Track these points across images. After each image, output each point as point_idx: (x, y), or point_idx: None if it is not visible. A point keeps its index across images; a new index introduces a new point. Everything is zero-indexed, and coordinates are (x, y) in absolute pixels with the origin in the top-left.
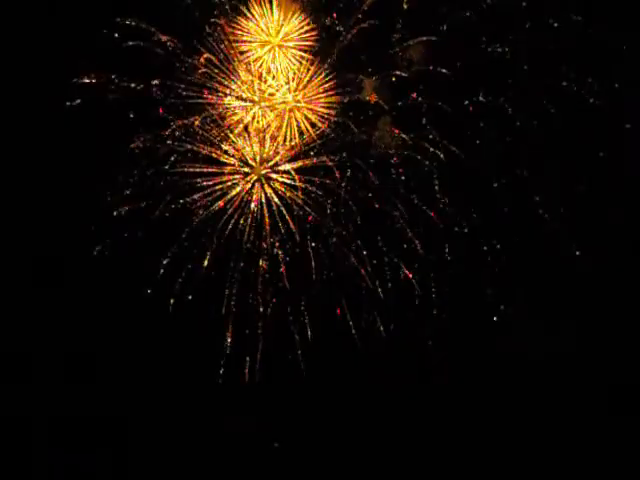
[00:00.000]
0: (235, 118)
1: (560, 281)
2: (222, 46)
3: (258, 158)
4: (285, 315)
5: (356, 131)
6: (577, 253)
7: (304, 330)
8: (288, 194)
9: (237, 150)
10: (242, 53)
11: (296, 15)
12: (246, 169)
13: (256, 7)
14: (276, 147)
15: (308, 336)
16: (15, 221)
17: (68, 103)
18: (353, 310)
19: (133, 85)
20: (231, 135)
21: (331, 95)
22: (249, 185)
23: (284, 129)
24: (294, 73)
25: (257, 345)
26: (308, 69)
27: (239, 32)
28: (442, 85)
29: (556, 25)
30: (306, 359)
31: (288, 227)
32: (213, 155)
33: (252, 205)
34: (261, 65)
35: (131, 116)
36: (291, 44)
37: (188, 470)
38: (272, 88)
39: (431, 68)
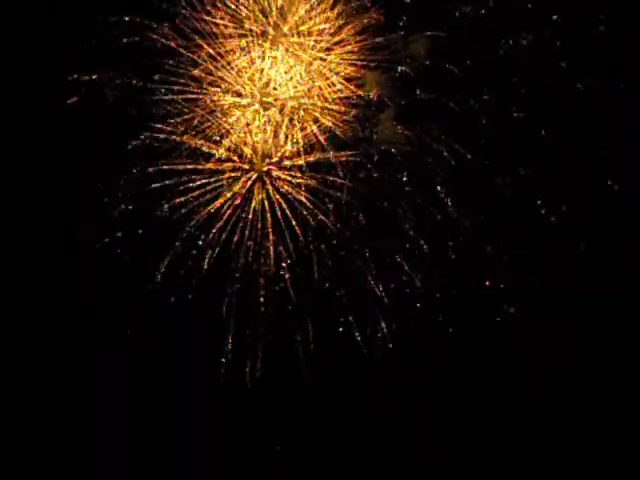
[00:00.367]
0: (236, 113)
1: (561, 280)
2: (221, 40)
3: (259, 154)
4: (287, 316)
5: (359, 127)
6: (582, 249)
7: (306, 331)
8: (290, 191)
9: (237, 146)
10: (242, 49)
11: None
12: (246, 166)
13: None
14: (278, 143)
15: (310, 338)
16: (14, 221)
17: (70, 100)
18: (356, 311)
19: (134, 82)
20: (231, 131)
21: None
22: (249, 182)
23: (285, 124)
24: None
25: (258, 347)
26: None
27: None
28: (446, 81)
29: (561, 22)
30: (308, 361)
31: (290, 226)
32: (212, 151)
33: (253, 203)
34: (263, 59)
35: (129, 113)
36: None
37: (189, 472)
38: (274, 83)
39: (428, 63)
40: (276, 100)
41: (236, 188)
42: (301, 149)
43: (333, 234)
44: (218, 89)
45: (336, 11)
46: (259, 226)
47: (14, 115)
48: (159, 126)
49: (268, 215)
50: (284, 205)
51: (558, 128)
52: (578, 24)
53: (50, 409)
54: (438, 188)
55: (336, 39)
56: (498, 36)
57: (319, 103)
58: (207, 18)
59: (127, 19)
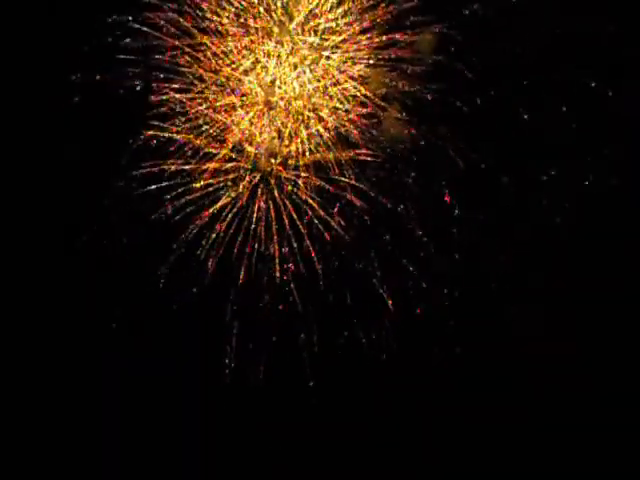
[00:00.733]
0: (240, 112)
1: (561, 280)
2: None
3: (264, 154)
4: (290, 318)
5: (364, 127)
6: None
7: (310, 333)
8: (295, 191)
9: (241, 145)
10: (247, 48)
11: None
12: (249, 165)
13: None
14: (282, 142)
15: (314, 340)
16: (14, 221)
17: (75, 99)
18: (360, 313)
19: (136, 82)
20: (235, 130)
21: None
22: (253, 183)
23: (291, 123)
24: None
25: (262, 349)
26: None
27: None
28: (453, 79)
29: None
30: (312, 363)
31: (295, 226)
32: (215, 151)
33: (257, 204)
34: (268, 57)
35: (131, 112)
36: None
37: (189, 473)
38: (279, 81)
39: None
40: (281, 99)
41: (240, 188)
42: (306, 148)
43: (338, 235)
44: (222, 88)
45: (342, 9)
46: (263, 227)
47: (14, 115)
48: (162, 125)
49: (272, 215)
50: (289, 205)
51: (560, 127)
52: (579, 23)
53: (50, 410)
54: (444, 188)
55: (342, 37)
56: (503, 35)
57: (325, 102)
58: (211, 16)
59: (130, 18)
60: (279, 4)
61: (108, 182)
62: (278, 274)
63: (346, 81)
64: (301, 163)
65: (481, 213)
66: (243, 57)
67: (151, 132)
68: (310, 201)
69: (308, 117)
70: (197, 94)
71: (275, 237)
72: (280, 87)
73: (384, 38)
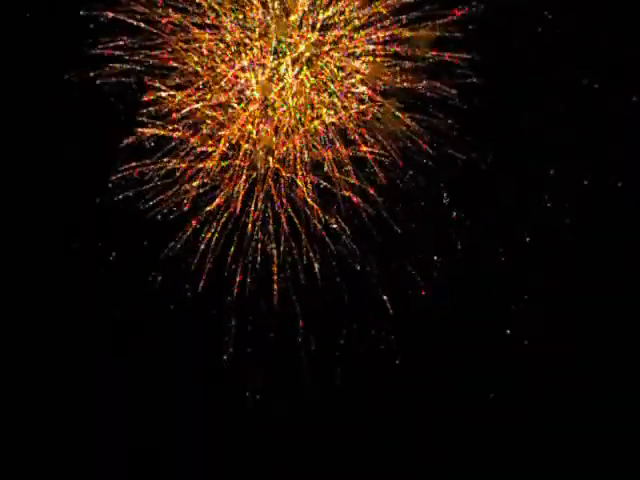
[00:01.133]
0: (238, 109)
1: (561, 280)
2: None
3: (261, 151)
4: (289, 320)
5: (364, 124)
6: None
7: (308, 337)
8: (293, 190)
9: (237, 143)
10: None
11: None
12: (246, 163)
13: None
14: (281, 139)
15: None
16: (12, 221)
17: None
18: (359, 315)
19: (130, 79)
20: (232, 127)
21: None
22: (250, 181)
23: (289, 120)
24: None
25: (260, 352)
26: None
27: None
28: (453, 76)
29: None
30: (310, 365)
31: (292, 224)
32: (210, 149)
33: (253, 203)
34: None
35: (123, 110)
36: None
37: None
38: (277, 78)
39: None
40: (279, 96)
41: (236, 187)
42: (304, 146)
43: (336, 234)
44: (218, 85)
45: (341, 4)
46: (260, 226)
47: (13, 115)
48: (156, 123)
49: (269, 214)
50: (286, 204)
51: (560, 127)
52: (579, 23)
53: (50, 410)
54: (442, 189)
55: (342, 32)
56: (503, 33)
57: (323, 99)
58: (206, 11)
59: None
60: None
61: (100, 182)
62: (275, 276)
63: (345, 77)
64: (299, 161)
65: (481, 213)
66: (240, 53)
67: (144, 130)
68: (308, 200)
69: (306, 114)
70: (191, 91)
71: (272, 236)
72: (277, 84)
73: (384, 33)
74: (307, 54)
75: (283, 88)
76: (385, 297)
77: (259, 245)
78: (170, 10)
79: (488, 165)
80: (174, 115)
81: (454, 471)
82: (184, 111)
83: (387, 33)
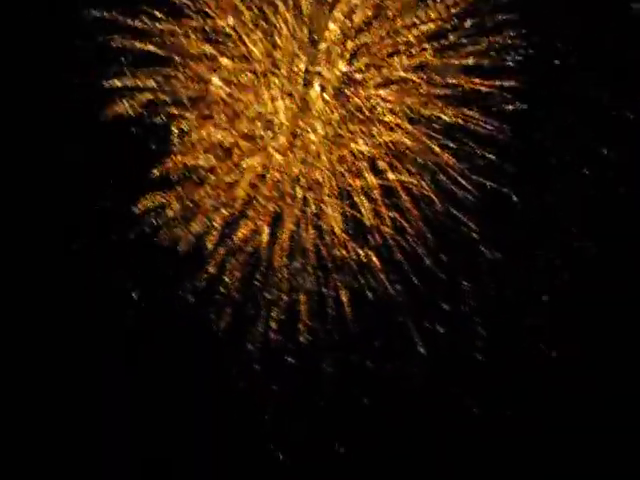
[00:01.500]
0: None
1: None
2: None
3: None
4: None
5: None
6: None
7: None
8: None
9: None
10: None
11: None
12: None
13: None
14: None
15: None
16: (15, 222)
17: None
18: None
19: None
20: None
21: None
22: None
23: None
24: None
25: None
26: None
27: None
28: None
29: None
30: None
31: (319, 253)
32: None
33: (280, 230)
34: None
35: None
36: None
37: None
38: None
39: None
40: (308, 124)
41: (263, 217)
42: (332, 174)
43: (362, 263)
44: (245, 115)
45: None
46: (285, 253)
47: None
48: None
49: (296, 241)
50: (312, 231)
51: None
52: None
53: (51, 411)
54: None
55: (372, 60)
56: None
57: (352, 127)
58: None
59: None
60: (304, 27)
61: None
62: (304, 306)
63: (374, 106)
64: (326, 188)
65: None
66: (268, 83)
67: (171, 160)
68: (335, 228)
69: (335, 142)
70: (219, 121)
71: (299, 264)
72: (306, 112)
73: (413, 61)
74: (335, 83)
75: (311, 117)
76: (412, 328)
77: (285, 276)
78: (198, 39)
79: (520, 195)
80: (201, 145)
81: (456, 473)
82: (211, 141)
83: (416, 60)
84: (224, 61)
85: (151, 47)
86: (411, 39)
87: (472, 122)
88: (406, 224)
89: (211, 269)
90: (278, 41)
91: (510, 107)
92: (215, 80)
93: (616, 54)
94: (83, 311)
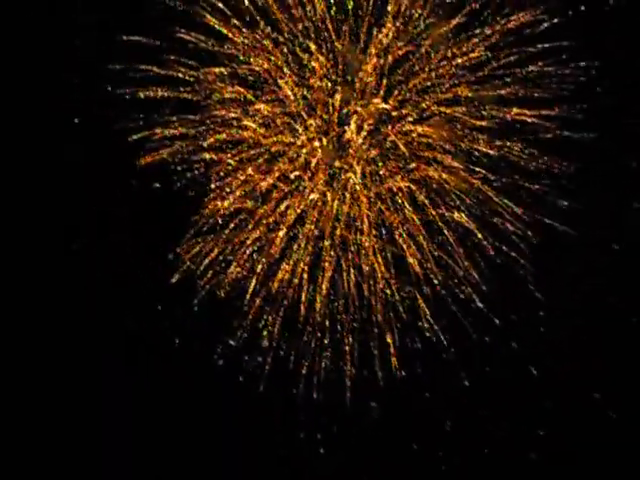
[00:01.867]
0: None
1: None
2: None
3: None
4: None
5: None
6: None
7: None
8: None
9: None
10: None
11: None
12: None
13: None
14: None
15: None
16: (16, 223)
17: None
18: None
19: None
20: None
21: None
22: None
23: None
24: None
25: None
26: None
27: None
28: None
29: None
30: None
31: (360, 291)
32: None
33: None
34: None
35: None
36: None
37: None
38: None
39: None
40: (345, 163)
41: (303, 257)
42: (371, 210)
43: (403, 298)
44: (282, 157)
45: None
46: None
47: (15, 117)
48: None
49: (338, 279)
50: (353, 271)
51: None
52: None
53: (51, 412)
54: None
55: (407, 96)
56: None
57: (389, 164)
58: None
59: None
60: (338, 67)
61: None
62: (348, 346)
63: (411, 141)
64: (365, 226)
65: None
66: (304, 123)
67: (212, 204)
68: (376, 265)
69: (373, 180)
70: (257, 163)
71: (341, 305)
72: (343, 151)
73: (449, 94)
74: (371, 120)
75: (348, 155)
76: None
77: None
78: (233, 84)
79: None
80: (240, 189)
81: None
82: (249, 184)
83: (451, 94)
84: (259, 105)
85: (186, 95)
86: (445, 73)
87: (513, 154)
88: (451, 262)
89: (250, 316)
90: (312, 82)
91: (552, 136)
92: (251, 124)
93: None
94: (83, 311)
